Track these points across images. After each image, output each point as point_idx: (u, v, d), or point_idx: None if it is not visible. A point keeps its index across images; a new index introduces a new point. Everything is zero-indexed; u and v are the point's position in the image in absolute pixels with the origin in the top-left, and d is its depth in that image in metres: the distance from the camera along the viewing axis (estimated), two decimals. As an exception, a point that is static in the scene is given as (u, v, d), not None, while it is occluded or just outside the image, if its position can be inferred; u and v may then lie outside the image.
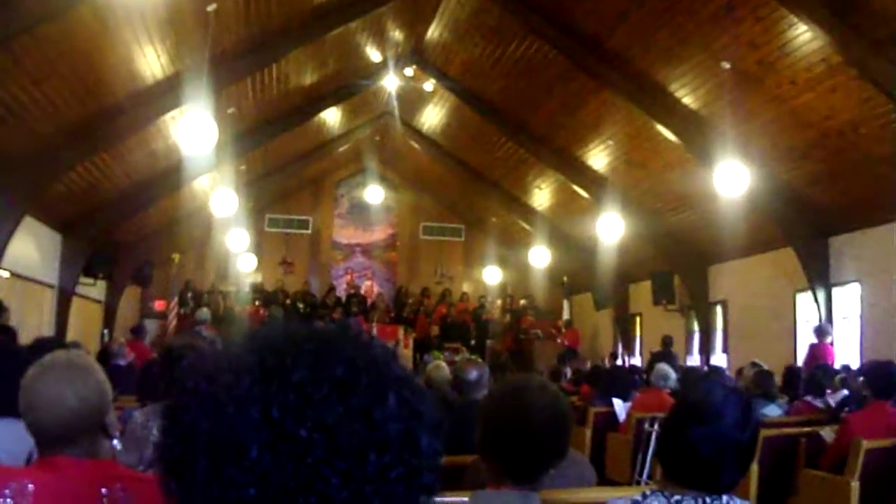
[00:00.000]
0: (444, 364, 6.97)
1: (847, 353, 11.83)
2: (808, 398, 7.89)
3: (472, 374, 5.12)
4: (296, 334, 0.96)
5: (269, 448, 0.86)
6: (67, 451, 2.17)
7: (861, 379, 7.10)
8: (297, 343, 0.94)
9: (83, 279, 14.71)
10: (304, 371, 0.90)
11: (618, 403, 8.77)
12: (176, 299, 18.17)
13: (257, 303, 19.79)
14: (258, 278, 21.06)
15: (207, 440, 0.88)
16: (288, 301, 20.27)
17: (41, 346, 4.74)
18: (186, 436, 0.90)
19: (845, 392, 7.91)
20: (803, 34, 9.35)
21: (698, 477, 2.19)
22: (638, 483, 7.63)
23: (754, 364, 9.04)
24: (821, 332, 11.49)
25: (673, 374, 8.68)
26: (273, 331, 0.98)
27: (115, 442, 2.87)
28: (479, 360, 8.79)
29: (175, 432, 0.93)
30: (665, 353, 13.01)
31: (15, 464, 2.83)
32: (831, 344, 11.46)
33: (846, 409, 7.14)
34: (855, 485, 5.64)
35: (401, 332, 18.94)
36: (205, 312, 15.11)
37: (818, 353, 11.15)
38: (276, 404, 0.87)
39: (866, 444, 5.65)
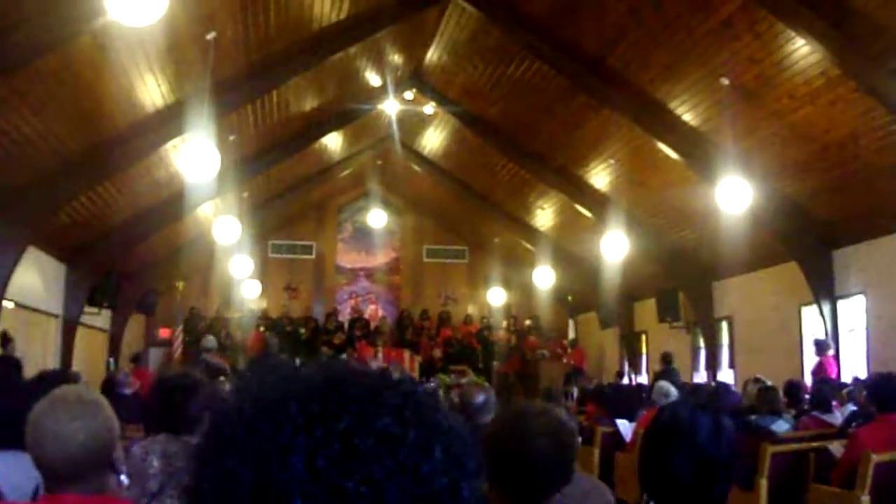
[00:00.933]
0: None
1: (855, 365, 11.80)
2: (816, 413, 7.84)
3: (479, 399, 5.09)
4: (337, 379, 0.93)
5: (314, 501, 0.83)
6: (74, 489, 2.16)
7: (865, 393, 7.07)
8: (339, 388, 0.91)
9: (88, 308, 14.72)
10: (349, 419, 0.87)
11: (622, 424, 8.71)
12: (181, 327, 18.13)
13: (262, 329, 19.76)
14: (263, 304, 21.07)
15: (250, 491, 0.85)
16: (289, 327, 20.24)
17: (46, 379, 4.74)
18: (226, 485, 0.87)
19: (852, 406, 7.87)
20: (801, 48, 9.38)
21: (686, 500, 2.14)
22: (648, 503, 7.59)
23: (757, 380, 8.96)
24: (820, 347, 11.47)
25: (674, 391, 8.55)
26: (312, 375, 0.94)
27: (123, 477, 2.84)
28: (485, 383, 8.78)
29: (213, 481, 0.89)
30: (666, 370, 13.00)
31: (21, 498, 2.81)
32: (835, 357, 11.42)
33: (854, 423, 7.10)
34: (865, 499, 5.62)
35: (406, 355, 18.89)
36: (211, 340, 15.02)
37: (819, 367, 11.15)
38: (321, 454, 0.84)
39: (876, 457, 5.63)
